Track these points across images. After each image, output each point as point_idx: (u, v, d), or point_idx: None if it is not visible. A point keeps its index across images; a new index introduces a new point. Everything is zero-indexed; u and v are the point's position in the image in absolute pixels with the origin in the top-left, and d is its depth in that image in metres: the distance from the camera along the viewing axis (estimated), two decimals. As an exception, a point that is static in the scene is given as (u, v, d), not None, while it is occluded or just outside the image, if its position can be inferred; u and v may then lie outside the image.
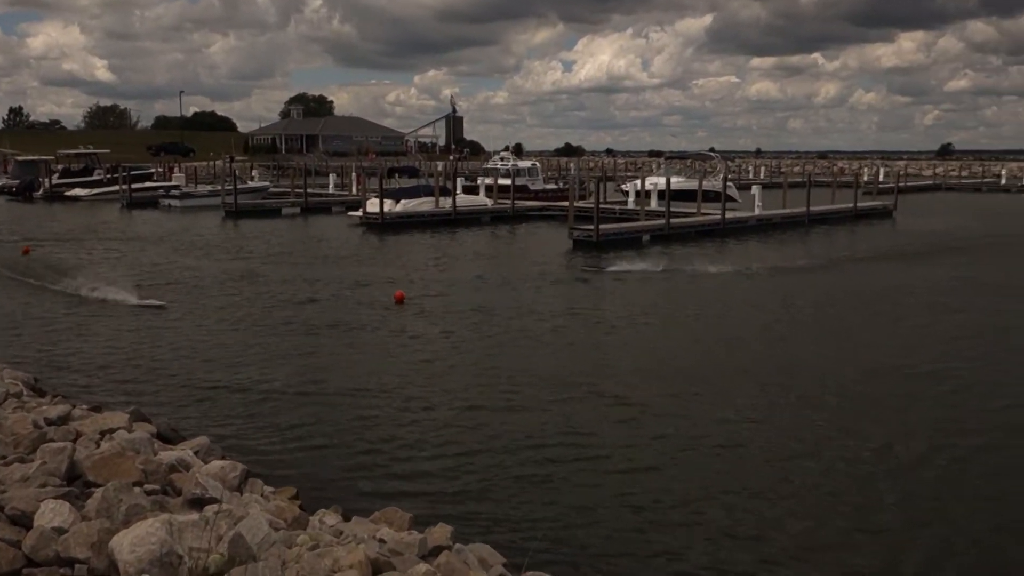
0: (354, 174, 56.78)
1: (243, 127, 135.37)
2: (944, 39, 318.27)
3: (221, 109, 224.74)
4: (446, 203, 41.18)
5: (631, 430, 10.84)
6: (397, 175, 52.74)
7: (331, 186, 56.64)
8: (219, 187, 48.50)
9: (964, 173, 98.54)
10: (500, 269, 25.62)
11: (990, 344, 16.04)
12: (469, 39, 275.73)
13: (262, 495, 7.49)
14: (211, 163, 76.88)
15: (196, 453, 8.58)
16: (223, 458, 8.67)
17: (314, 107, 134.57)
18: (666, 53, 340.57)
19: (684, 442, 10.48)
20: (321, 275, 23.66)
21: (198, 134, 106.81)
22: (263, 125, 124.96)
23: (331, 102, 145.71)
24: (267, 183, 58.58)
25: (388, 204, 38.54)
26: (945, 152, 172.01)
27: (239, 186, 46.72)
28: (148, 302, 18.86)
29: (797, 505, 8.78)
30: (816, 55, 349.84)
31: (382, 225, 37.27)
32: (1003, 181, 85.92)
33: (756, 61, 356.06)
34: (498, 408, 11.74)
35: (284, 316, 17.97)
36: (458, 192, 43.11)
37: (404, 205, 40.22)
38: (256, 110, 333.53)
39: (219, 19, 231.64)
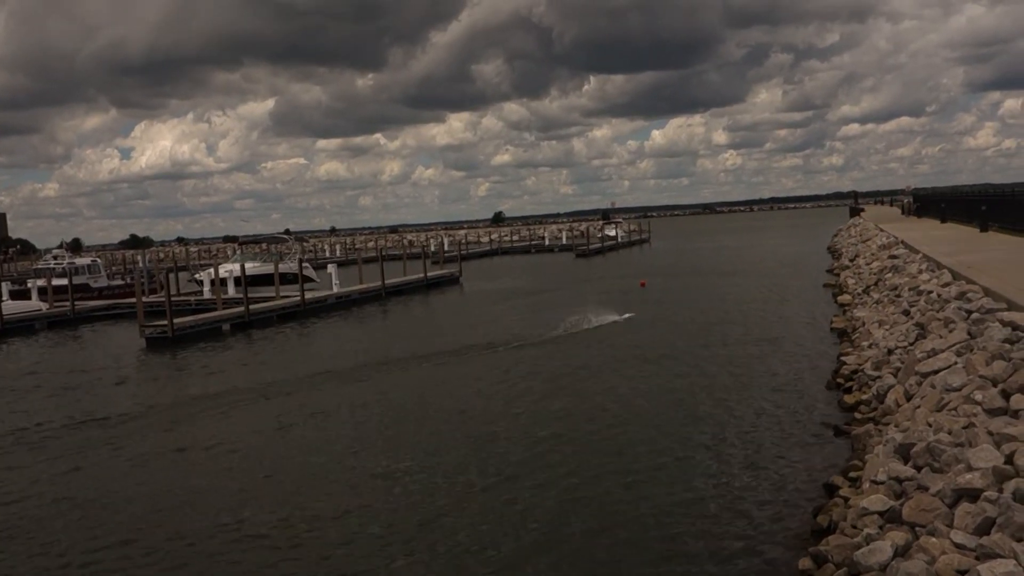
0: None
1: None
2: (486, 119, 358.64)
3: None
4: (-11, 312, 36.31)
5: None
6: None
7: None
8: None
9: (515, 237, 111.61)
10: (61, 384, 23.13)
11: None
12: (5, 127, 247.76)
13: None
14: None
15: None
16: None
17: None
18: (231, 137, 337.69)
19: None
20: None
21: None
22: None
23: None
24: None
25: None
26: (498, 219, 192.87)
27: None
28: None
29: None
30: (378, 135, 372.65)
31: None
32: (547, 242, 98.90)
33: (322, 143, 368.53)
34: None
35: None
36: (4, 299, 38.56)
37: (-69, 321, 34.64)
38: None
39: None
